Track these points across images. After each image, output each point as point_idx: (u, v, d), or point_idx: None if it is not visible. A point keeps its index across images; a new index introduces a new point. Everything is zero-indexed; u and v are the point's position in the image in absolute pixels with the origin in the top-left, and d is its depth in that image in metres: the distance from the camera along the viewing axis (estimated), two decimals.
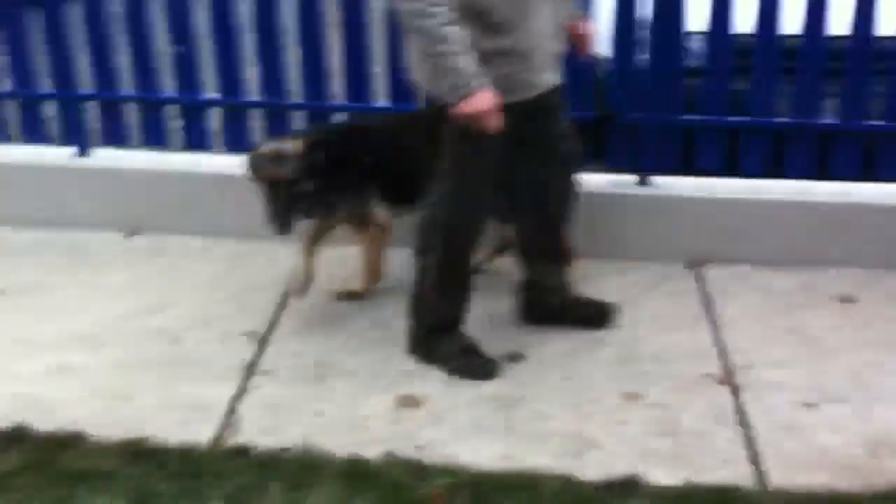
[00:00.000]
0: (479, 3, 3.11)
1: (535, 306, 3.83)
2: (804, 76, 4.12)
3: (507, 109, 3.15)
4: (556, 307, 3.82)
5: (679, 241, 4.21)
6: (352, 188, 3.75)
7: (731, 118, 4.22)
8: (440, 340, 3.57)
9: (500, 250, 4.03)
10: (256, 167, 3.62)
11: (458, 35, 3.03)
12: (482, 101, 3.08)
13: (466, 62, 3.05)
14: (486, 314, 3.87)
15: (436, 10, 2.98)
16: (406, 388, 3.44)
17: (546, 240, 3.74)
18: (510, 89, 3.20)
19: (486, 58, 3.12)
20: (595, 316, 3.83)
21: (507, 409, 3.34)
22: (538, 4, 3.22)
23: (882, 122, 4.12)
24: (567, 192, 3.70)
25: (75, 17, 4.43)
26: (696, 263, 4.22)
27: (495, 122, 3.13)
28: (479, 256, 3.85)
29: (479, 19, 3.12)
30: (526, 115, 3.29)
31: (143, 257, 4.29)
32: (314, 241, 3.84)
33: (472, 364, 3.55)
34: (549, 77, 3.36)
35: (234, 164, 4.42)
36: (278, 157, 3.59)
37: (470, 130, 3.14)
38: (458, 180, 3.36)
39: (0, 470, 3.01)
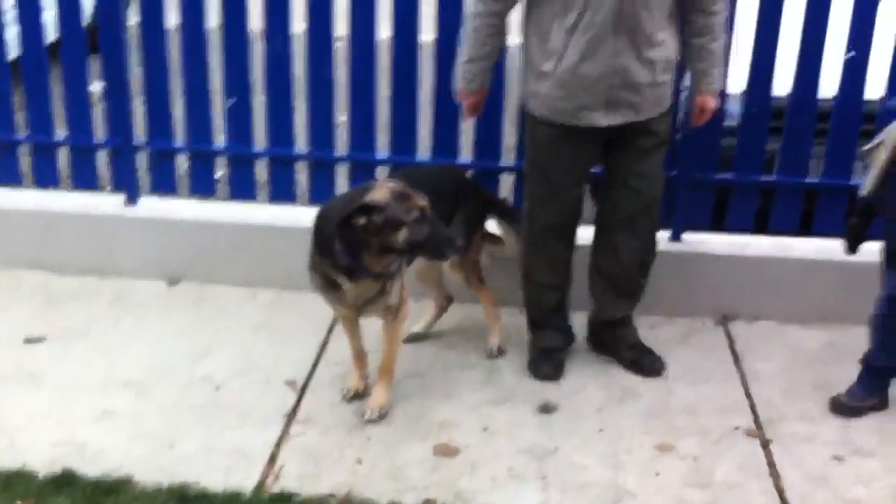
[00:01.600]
0: (544, 25, 3.58)
1: (597, 335, 4.10)
2: (836, 137, 4.23)
3: (562, 127, 3.66)
4: (618, 342, 4.02)
5: (709, 296, 4.30)
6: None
7: (763, 177, 4.33)
8: (531, 334, 4.05)
9: (439, 315, 4.20)
10: (404, 207, 3.34)
11: (479, 41, 3.68)
12: (463, 97, 3.87)
13: (469, 64, 3.74)
14: (520, 365, 3.98)
15: (478, 21, 3.66)
16: (443, 437, 3.53)
17: (613, 270, 3.95)
18: (554, 111, 3.67)
19: (538, 75, 3.64)
20: (647, 364, 3.97)
21: (542, 458, 3.43)
22: (597, 45, 3.48)
23: None
24: (640, 235, 3.90)
25: (130, 66, 4.56)
26: (725, 319, 4.31)
27: (470, 114, 3.96)
28: (414, 330, 4.11)
29: (540, 39, 3.60)
30: (587, 139, 3.69)
31: (186, 305, 4.39)
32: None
33: (537, 365, 3.94)
34: (600, 116, 3.60)
35: (277, 214, 4.58)
36: (408, 192, 3.38)
37: (532, 136, 3.80)
38: (531, 178, 3.86)
39: None
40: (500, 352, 4.05)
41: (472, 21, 3.69)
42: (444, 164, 4.34)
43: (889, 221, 3.49)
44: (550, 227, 3.87)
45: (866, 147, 3.53)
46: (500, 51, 3.85)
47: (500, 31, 3.71)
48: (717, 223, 4.42)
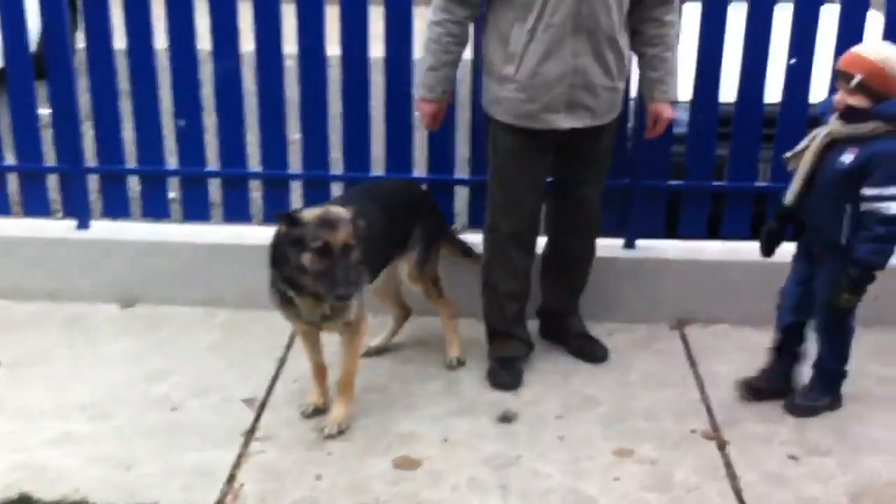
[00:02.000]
0: (503, 30, 3.66)
1: (546, 325, 4.23)
2: (782, 142, 4.28)
3: (524, 132, 3.74)
4: (568, 331, 4.15)
5: (665, 302, 4.34)
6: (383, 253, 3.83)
7: (714, 183, 4.40)
8: (490, 344, 4.08)
9: (397, 329, 4.24)
10: (315, 232, 3.31)
11: (441, 49, 3.73)
12: (423, 106, 3.89)
13: (431, 72, 3.77)
14: (479, 376, 3.99)
15: (440, 29, 3.71)
16: (404, 450, 3.52)
17: (566, 270, 4.12)
18: (518, 115, 3.73)
19: (500, 80, 3.71)
20: (591, 351, 4.10)
21: (503, 468, 3.43)
22: (557, 46, 3.57)
23: None
24: (586, 237, 4.08)
25: (78, 90, 4.54)
26: (681, 323, 4.35)
27: (427, 125, 3.95)
28: (372, 344, 4.15)
29: (501, 44, 3.67)
30: (547, 146, 3.79)
31: (141, 328, 4.36)
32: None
33: (496, 375, 3.96)
34: (562, 119, 3.69)
35: (232, 234, 4.57)
36: (334, 222, 3.35)
37: (495, 146, 3.85)
38: (494, 187, 3.92)
39: None
40: (460, 363, 4.06)
41: (434, 29, 3.73)
42: (403, 179, 4.35)
43: (809, 227, 3.57)
44: (513, 236, 3.93)
45: (789, 154, 3.56)
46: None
47: (462, 39, 3.77)
48: (671, 230, 4.48)
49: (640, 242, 4.44)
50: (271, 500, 3.26)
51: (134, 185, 4.73)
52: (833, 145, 3.40)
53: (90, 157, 4.69)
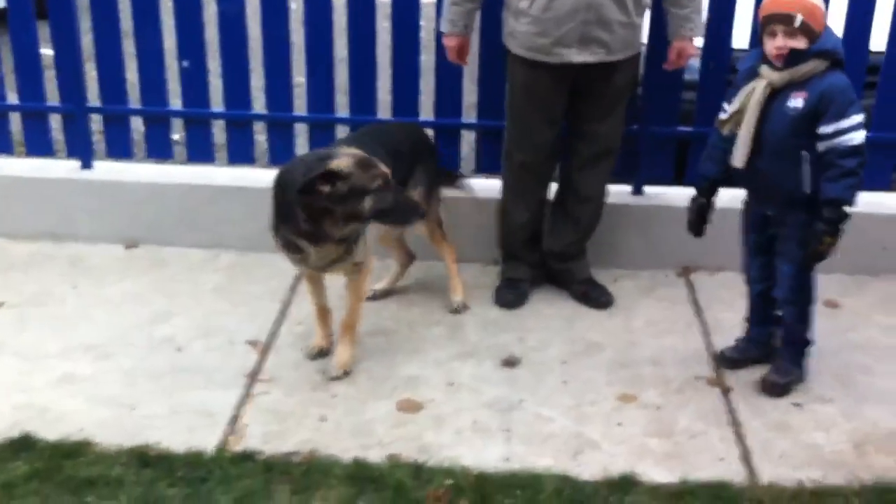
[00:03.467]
0: None
1: (551, 267, 4.22)
2: None
3: (538, 66, 3.76)
4: (573, 276, 4.15)
5: (671, 249, 4.31)
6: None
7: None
8: (502, 265, 4.22)
9: (401, 273, 4.22)
10: (368, 175, 3.30)
11: None
12: (447, 41, 3.96)
13: (454, 7, 3.85)
14: (483, 320, 3.99)
15: None
16: (408, 394, 3.53)
17: (576, 208, 4.11)
18: (531, 48, 3.76)
19: (515, 14, 3.75)
20: (595, 297, 4.10)
21: (506, 412, 3.43)
22: None
23: None
24: (597, 177, 4.06)
25: (80, 30, 4.49)
26: (687, 271, 4.33)
27: (453, 59, 4.01)
28: (377, 287, 4.13)
29: None
30: (561, 80, 3.80)
31: (145, 269, 4.35)
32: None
33: (501, 294, 4.10)
34: (574, 53, 3.70)
35: (236, 176, 4.54)
36: (370, 161, 3.34)
37: (511, 78, 3.91)
38: (509, 118, 4.01)
39: (8, 478, 3.07)
40: (464, 307, 4.05)
41: None
42: (404, 122, 4.31)
43: (761, 189, 3.46)
44: (525, 166, 4.00)
45: (723, 117, 3.42)
46: None
47: None
48: (679, 177, 4.44)
49: (647, 189, 4.41)
50: (275, 440, 3.27)
51: (138, 126, 4.70)
52: (772, 97, 3.30)
53: (93, 97, 4.65)
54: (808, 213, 3.31)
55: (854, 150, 3.21)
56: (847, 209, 3.24)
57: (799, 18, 3.19)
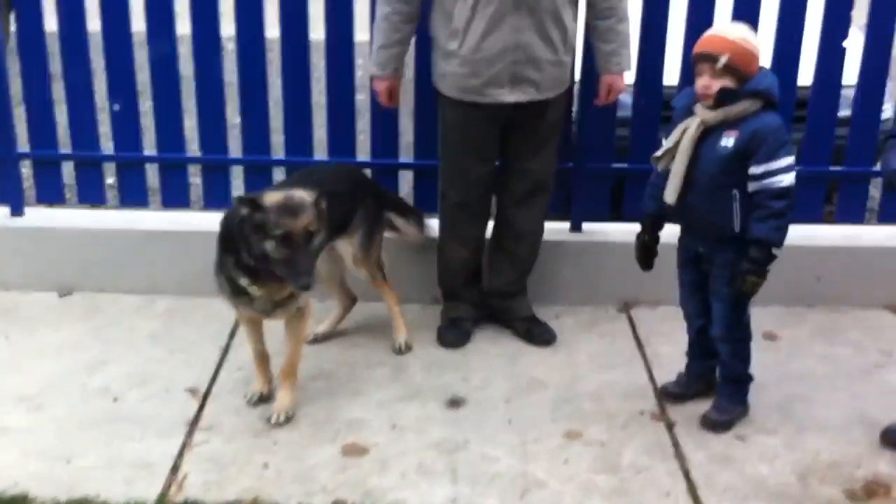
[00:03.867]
0: (447, 6, 3.69)
1: (493, 306, 4.22)
2: None
3: (469, 106, 3.79)
4: (515, 314, 4.16)
5: (611, 284, 4.34)
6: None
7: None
8: (443, 305, 4.22)
9: (343, 315, 4.18)
10: (278, 219, 3.24)
11: (390, 28, 3.79)
12: (376, 84, 3.96)
13: (382, 50, 3.84)
14: (427, 361, 3.96)
15: (388, 8, 3.77)
16: (352, 437, 3.48)
17: (512, 245, 4.12)
18: (463, 89, 3.78)
19: (445, 56, 3.76)
20: (538, 334, 4.10)
21: (452, 453, 3.40)
22: (498, 22, 3.61)
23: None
24: (532, 213, 4.07)
25: (10, 74, 4.41)
26: (627, 306, 4.36)
27: (383, 102, 3.99)
28: (318, 330, 4.08)
29: (445, 20, 3.71)
30: (493, 119, 3.83)
31: (79, 316, 4.24)
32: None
33: (444, 334, 4.11)
34: (506, 93, 3.73)
35: (171, 219, 4.47)
36: (296, 209, 3.28)
37: (443, 119, 3.93)
38: (442, 158, 4.02)
39: None
40: (407, 348, 4.02)
41: (383, 8, 3.78)
42: (344, 164, 4.28)
43: (692, 227, 3.49)
44: (460, 205, 4.02)
45: (657, 154, 3.43)
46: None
47: (411, 16, 3.80)
48: (616, 212, 4.48)
49: (585, 225, 4.44)
50: (216, 490, 3.20)
51: (70, 170, 4.61)
52: (705, 135, 3.33)
53: (23, 142, 4.56)
54: (736, 252, 3.33)
55: (783, 192, 3.24)
56: (774, 250, 3.27)
57: (723, 59, 3.23)
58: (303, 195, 3.31)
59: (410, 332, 4.07)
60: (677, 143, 3.37)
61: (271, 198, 3.29)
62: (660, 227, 3.59)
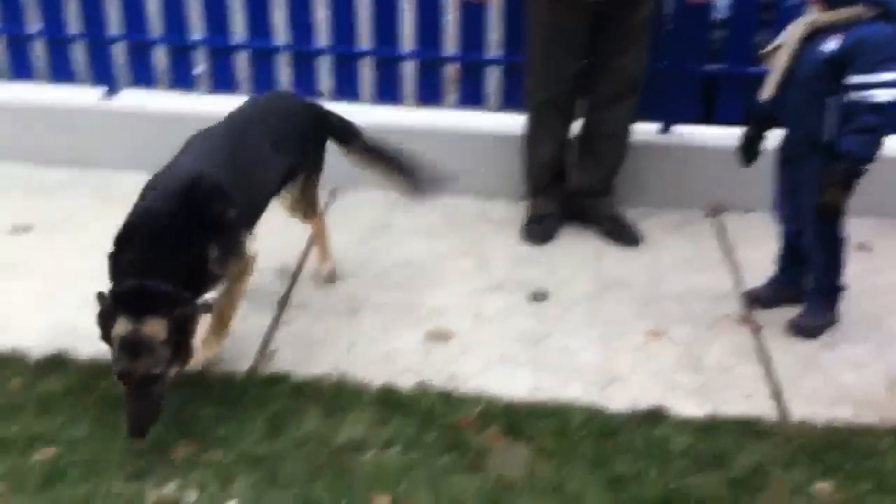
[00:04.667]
0: None
1: (578, 205, 4.18)
2: None
3: (560, 1, 3.76)
4: (601, 213, 4.13)
5: (701, 188, 4.28)
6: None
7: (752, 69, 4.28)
8: (529, 201, 4.21)
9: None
10: (116, 353, 2.81)
11: None
12: None
13: None
14: (511, 256, 3.97)
15: None
16: (435, 323, 3.52)
17: (601, 145, 4.09)
18: None
19: None
20: (624, 233, 4.08)
21: (535, 344, 3.43)
22: None
23: None
24: (623, 112, 4.02)
25: None
26: (716, 211, 4.30)
27: None
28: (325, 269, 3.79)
29: None
30: (581, 16, 3.79)
31: None
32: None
33: (528, 230, 4.10)
34: None
35: None
36: (137, 348, 2.79)
37: (531, 15, 3.88)
38: (531, 55, 3.98)
39: (44, 394, 3.10)
40: (334, 277, 3.76)
41: None
42: (291, 101, 3.68)
43: (788, 127, 3.39)
44: (548, 103, 3.99)
45: (764, 51, 3.35)
46: None
47: None
48: (708, 116, 4.40)
49: (676, 128, 4.37)
50: (304, 365, 3.27)
51: (160, 55, 4.66)
52: (812, 36, 3.22)
53: (117, 26, 4.61)
54: (823, 161, 3.23)
55: (877, 108, 3.10)
56: (861, 166, 3.15)
57: None
58: (156, 329, 2.78)
59: (495, 226, 4.12)
60: (783, 42, 3.27)
61: (121, 325, 2.80)
62: (768, 126, 3.49)
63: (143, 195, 3.11)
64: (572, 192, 4.19)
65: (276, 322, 3.51)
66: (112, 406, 3.00)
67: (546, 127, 4.07)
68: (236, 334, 3.39)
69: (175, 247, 2.92)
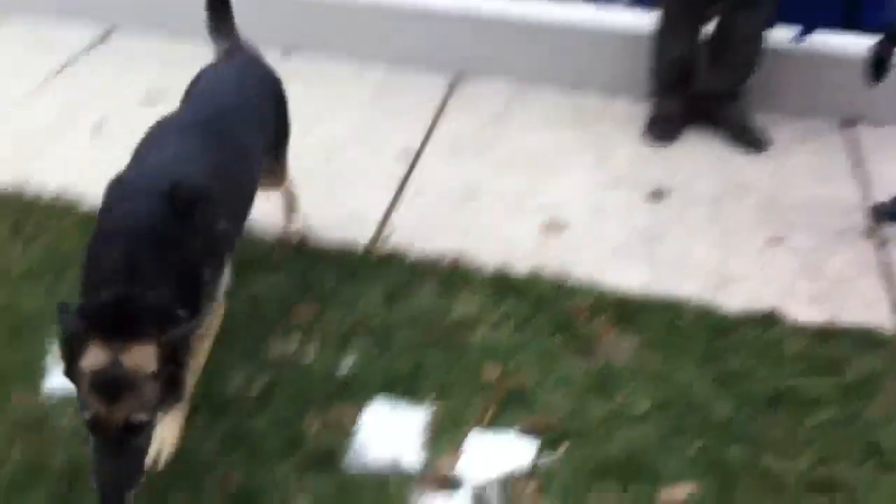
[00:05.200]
0: None
1: (705, 108, 4.10)
2: None
3: None
4: (729, 117, 4.06)
5: (834, 98, 4.14)
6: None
7: None
8: (654, 101, 4.16)
9: None
10: (86, 395, 2.10)
11: None
12: None
13: None
14: (633, 153, 3.94)
15: None
16: (553, 214, 3.53)
17: (733, 48, 3.96)
18: None
19: None
20: (751, 138, 3.99)
21: (652, 241, 3.42)
22: None
23: None
24: (757, 13, 3.89)
25: None
26: (849, 122, 4.16)
27: None
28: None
29: None
30: None
31: (299, 76, 4.37)
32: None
33: (651, 129, 4.06)
34: None
35: None
36: (115, 387, 2.09)
37: None
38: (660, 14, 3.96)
39: None
40: (300, 235, 3.39)
41: None
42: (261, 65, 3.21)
43: None
44: (683, 1, 3.90)
45: None
46: None
47: None
48: (849, 22, 4.22)
49: (814, 33, 4.21)
50: (421, 244, 3.34)
51: None
52: None
53: None
54: None
55: None
56: None
57: None
58: (143, 359, 2.10)
59: (618, 125, 4.06)
60: None
61: (94, 355, 2.09)
62: None
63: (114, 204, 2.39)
64: (699, 94, 4.10)
65: (395, 201, 3.57)
66: (242, 268, 2.86)
67: (678, 25, 3.98)
68: (354, 211, 3.46)
69: (162, 255, 2.26)
